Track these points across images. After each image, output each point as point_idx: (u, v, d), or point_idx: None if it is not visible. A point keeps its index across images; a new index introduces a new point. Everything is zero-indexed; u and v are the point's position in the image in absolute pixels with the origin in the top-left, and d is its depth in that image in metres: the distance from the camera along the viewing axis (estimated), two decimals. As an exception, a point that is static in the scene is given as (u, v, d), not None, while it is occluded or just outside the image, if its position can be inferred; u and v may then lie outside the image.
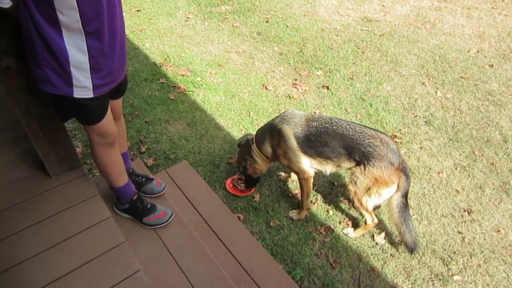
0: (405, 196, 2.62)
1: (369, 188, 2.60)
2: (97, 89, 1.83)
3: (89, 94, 1.81)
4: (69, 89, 1.75)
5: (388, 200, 2.67)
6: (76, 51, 1.66)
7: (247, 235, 2.76)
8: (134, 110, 4.00)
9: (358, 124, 2.69)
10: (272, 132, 2.86)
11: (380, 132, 2.65)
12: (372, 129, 2.66)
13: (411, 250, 2.70)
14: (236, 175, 3.30)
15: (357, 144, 2.57)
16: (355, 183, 2.64)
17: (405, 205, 2.64)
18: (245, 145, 3.08)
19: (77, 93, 1.78)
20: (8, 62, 1.81)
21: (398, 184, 2.57)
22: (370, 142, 2.54)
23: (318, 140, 2.68)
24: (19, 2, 1.55)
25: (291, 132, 2.73)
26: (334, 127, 2.65)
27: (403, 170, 2.55)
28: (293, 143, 2.73)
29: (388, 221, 3.01)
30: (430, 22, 5.64)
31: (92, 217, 2.18)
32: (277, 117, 2.90)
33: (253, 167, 3.04)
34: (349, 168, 2.70)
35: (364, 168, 2.57)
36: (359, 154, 2.57)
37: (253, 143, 2.99)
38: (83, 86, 1.77)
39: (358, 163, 2.61)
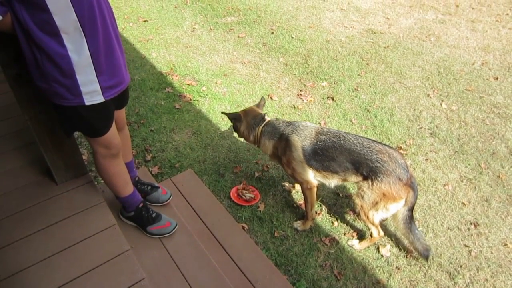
0: (411, 209, 2.61)
1: (376, 203, 2.58)
2: (106, 92, 1.83)
3: (100, 99, 1.82)
4: (79, 98, 1.76)
5: (394, 214, 2.67)
6: (79, 55, 1.66)
7: (251, 245, 2.75)
8: (140, 119, 4.01)
9: (366, 138, 2.67)
10: (281, 138, 2.84)
11: (389, 146, 2.63)
12: (381, 143, 2.65)
13: (425, 257, 2.70)
14: (240, 184, 3.30)
15: (365, 159, 2.55)
16: (362, 198, 2.62)
17: (410, 217, 2.64)
18: (254, 115, 3.01)
19: (88, 100, 1.79)
20: (19, 70, 1.83)
21: (406, 199, 2.56)
22: (378, 158, 2.52)
23: (325, 154, 2.66)
24: (14, 22, 1.55)
25: (300, 144, 2.72)
26: (342, 142, 2.63)
27: (411, 185, 2.53)
28: (300, 155, 2.72)
29: (394, 233, 2.99)
30: (435, 34, 5.67)
31: (98, 224, 2.19)
32: (290, 124, 2.86)
33: (242, 132, 3.04)
34: (356, 182, 2.69)
35: (372, 183, 2.54)
36: (367, 169, 2.55)
37: (261, 125, 2.93)
38: (92, 91, 1.78)
39: (365, 178, 2.58)
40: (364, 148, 2.58)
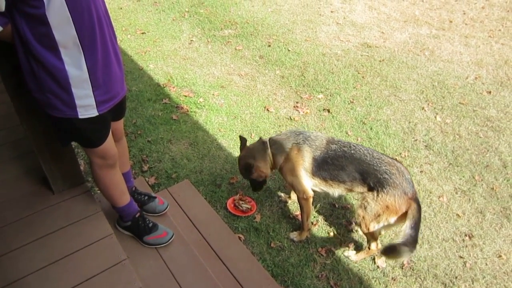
0: (415, 228, 2.44)
1: (379, 215, 2.58)
2: (101, 106, 1.85)
3: (94, 113, 1.83)
4: (73, 111, 1.78)
5: (400, 231, 2.54)
6: (76, 69, 1.68)
7: (248, 256, 2.75)
8: (137, 129, 4.03)
9: (375, 150, 2.69)
10: (292, 148, 2.81)
11: (397, 160, 2.66)
12: (389, 156, 2.67)
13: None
14: (237, 195, 3.31)
15: (374, 170, 2.56)
16: (365, 208, 2.62)
17: (413, 237, 2.40)
18: (255, 149, 2.94)
19: (82, 114, 1.80)
20: (20, 79, 1.85)
21: (407, 212, 2.53)
22: (386, 169, 2.53)
23: (334, 163, 2.67)
24: (13, 31, 1.57)
25: (311, 155, 2.73)
26: (352, 151, 2.65)
27: (415, 200, 2.54)
28: (308, 165, 2.74)
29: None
30: (429, 49, 5.76)
31: (95, 234, 2.19)
32: (300, 133, 2.85)
33: (259, 171, 2.94)
34: (361, 193, 2.69)
35: (377, 195, 2.55)
36: (374, 180, 2.55)
37: (268, 148, 2.89)
38: (87, 105, 1.79)
39: (371, 189, 2.59)
40: (374, 159, 2.59)
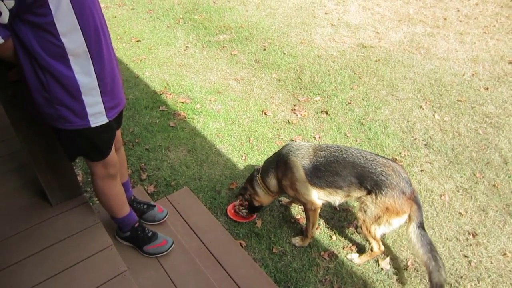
0: (422, 227, 2.52)
1: (379, 217, 2.55)
2: (109, 112, 1.84)
3: (104, 119, 1.83)
4: (85, 120, 1.77)
5: (407, 236, 2.59)
6: (86, 77, 1.67)
7: (249, 262, 2.72)
8: (134, 138, 4.01)
9: (368, 151, 2.66)
10: (278, 164, 2.83)
11: (391, 160, 2.63)
12: (383, 157, 2.64)
13: None
14: (237, 201, 3.28)
15: (369, 172, 2.52)
16: (365, 212, 2.59)
17: (425, 236, 2.50)
18: (250, 175, 3.06)
19: (94, 122, 1.79)
20: (14, 91, 1.83)
21: (409, 214, 2.53)
22: (382, 171, 2.50)
23: (328, 169, 2.63)
24: (17, 48, 1.53)
25: (299, 164, 2.69)
26: (344, 155, 2.61)
27: (414, 199, 2.51)
28: (301, 174, 2.69)
29: (392, 245, 2.98)
30: (424, 47, 5.76)
31: (94, 246, 2.16)
32: (283, 148, 2.86)
33: (252, 197, 3.01)
34: (359, 198, 2.65)
35: (376, 197, 2.51)
36: (371, 183, 2.52)
37: (258, 174, 2.96)
38: (97, 112, 1.78)
39: (369, 192, 2.56)
40: (367, 161, 2.56)
